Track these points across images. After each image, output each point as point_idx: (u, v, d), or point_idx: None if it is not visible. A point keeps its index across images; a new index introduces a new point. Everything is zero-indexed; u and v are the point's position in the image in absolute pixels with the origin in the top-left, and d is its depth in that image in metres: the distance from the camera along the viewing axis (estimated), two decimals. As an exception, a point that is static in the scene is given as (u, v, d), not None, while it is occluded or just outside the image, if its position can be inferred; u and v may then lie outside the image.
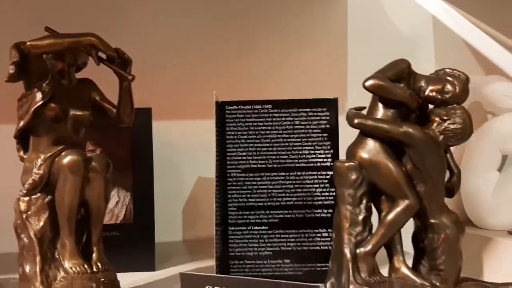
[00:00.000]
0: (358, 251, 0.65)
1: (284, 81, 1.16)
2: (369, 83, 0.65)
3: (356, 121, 0.66)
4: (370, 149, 0.67)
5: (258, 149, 0.86)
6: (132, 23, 1.10)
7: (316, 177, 0.86)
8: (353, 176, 0.66)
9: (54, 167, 0.69)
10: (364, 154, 0.67)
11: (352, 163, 0.67)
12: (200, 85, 1.08)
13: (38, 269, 0.69)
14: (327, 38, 1.22)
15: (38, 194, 0.70)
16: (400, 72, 0.67)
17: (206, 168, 1.08)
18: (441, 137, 0.66)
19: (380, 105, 0.67)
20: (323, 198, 0.86)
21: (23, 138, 0.73)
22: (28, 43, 0.67)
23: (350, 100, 1.15)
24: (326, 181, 0.86)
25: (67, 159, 0.68)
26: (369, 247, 0.65)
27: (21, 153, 0.74)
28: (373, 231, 0.67)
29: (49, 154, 0.69)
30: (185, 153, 1.12)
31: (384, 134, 0.65)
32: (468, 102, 1.11)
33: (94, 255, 0.72)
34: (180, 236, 1.19)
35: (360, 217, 0.66)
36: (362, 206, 0.66)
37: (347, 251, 0.65)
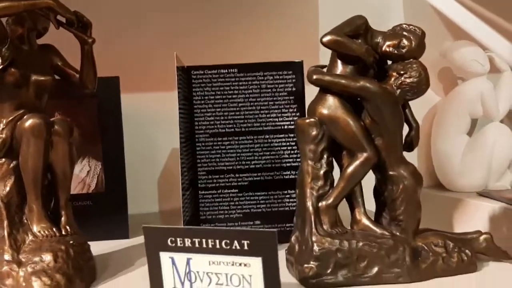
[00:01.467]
0: (320, 204, 0.67)
1: (255, 47, 1.17)
2: (326, 38, 0.66)
3: (314, 77, 0.67)
4: (330, 105, 0.68)
5: (226, 113, 0.87)
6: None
7: (283, 139, 0.88)
8: (314, 132, 0.68)
9: (17, 131, 0.69)
10: (323, 110, 0.68)
11: (312, 120, 0.68)
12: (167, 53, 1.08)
13: (6, 233, 0.69)
14: (299, 3, 1.23)
15: (3, 160, 0.71)
16: (357, 28, 0.68)
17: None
18: (398, 91, 0.68)
19: (339, 62, 0.68)
20: (291, 160, 0.88)
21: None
22: None
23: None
24: (293, 143, 0.87)
25: (29, 122, 0.68)
26: (330, 200, 0.67)
27: None
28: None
29: (10, 118, 0.69)
30: (157, 123, 1.13)
31: (341, 89, 0.67)
32: (438, 67, 1.15)
33: (62, 219, 0.73)
34: (157, 207, 1.21)
35: (321, 172, 0.68)
36: (323, 161, 0.68)
37: (309, 205, 0.67)
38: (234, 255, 0.52)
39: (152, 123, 1.14)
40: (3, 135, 0.69)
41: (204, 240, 0.53)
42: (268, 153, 0.88)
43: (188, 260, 0.54)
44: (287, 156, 0.88)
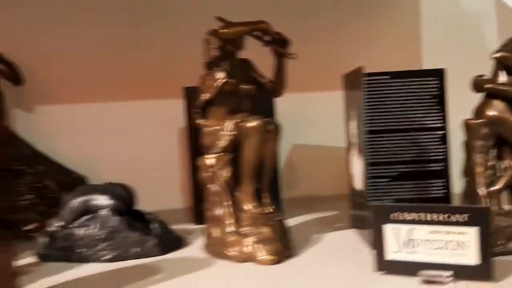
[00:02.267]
0: (490, 189, 0.82)
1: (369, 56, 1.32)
2: (498, 54, 0.81)
3: (486, 86, 0.82)
4: (497, 108, 0.82)
5: (380, 113, 1.03)
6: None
7: (428, 136, 1.03)
8: (484, 130, 0.82)
9: (240, 130, 0.85)
10: (492, 112, 0.82)
11: (483, 120, 0.83)
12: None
13: (228, 210, 0.87)
14: (402, 20, 1.38)
15: (224, 153, 0.88)
16: None
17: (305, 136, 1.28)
18: None
19: (504, 72, 0.83)
20: (434, 154, 1.03)
21: (203, 108, 0.90)
22: (221, 31, 0.83)
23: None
24: (437, 139, 1.02)
25: (252, 123, 0.84)
26: (499, 186, 0.82)
27: (200, 120, 0.91)
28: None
29: (237, 120, 0.86)
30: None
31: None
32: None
33: (264, 200, 0.90)
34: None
35: (490, 163, 0.83)
36: (491, 155, 0.83)
37: (481, 190, 0.82)
38: (453, 226, 0.67)
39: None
40: (232, 134, 0.86)
41: (424, 214, 0.69)
42: (415, 148, 1.03)
43: (410, 230, 0.70)
44: (431, 150, 1.03)
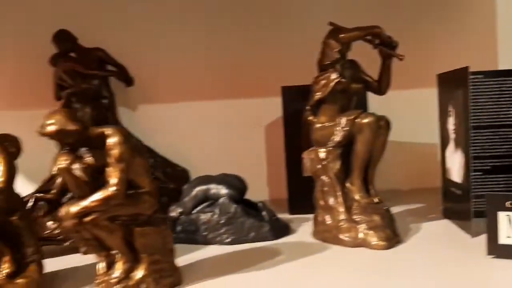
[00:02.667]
0: None
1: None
2: None
3: None
4: None
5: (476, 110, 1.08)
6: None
7: (521, 133, 1.08)
8: None
9: (355, 126, 0.93)
10: None
11: None
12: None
13: (340, 200, 0.95)
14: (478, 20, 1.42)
15: (335, 148, 0.96)
16: None
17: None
18: None
19: None
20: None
21: (315, 106, 0.99)
22: (342, 35, 0.91)
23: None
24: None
25: (367, 119, 0.92)
26: None
27: (311, 117, 0.99)
28: None
29: (352, 117, 0.94)
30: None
31: None
32: None
33: (372, 191, 0.98)
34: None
35: None
36: None
37: None
38: None
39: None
40: (347, 130, 0.94)
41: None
42: (507, 143, 1.08)
43: (525, 217, 0.76)
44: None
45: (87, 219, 0.68)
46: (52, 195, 0.99)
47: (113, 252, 0.74)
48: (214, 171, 1.13)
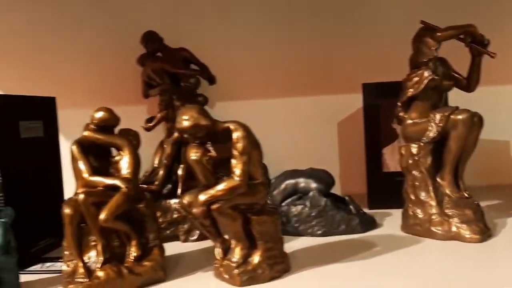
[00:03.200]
0: None
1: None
2: None
3: None
4: None
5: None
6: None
7: None
8: None
9: (450, 122, 0.95)
10: None
11: None
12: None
13: (431, 194, 0.98)
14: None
15: (427, 144, 0.99)
16: None
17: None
18: None
19: None
20: None
21: (407, 103, 1.02)
22: (439, 34, 0.94)
23: None
24: None
25: (462, 116, 0.94)
26: None
27: (402, 113, 1.02)
28: None
29: (446, 113, 0.96)
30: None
31: None
32: None
33: (461, 185, 1.00)
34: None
35: None
36: None
37: None
38: None
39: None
40: (441, 125, 0.96)
41: None
42: None
43: None
44: None
45: (214, 206, 0.73)
46: (155, 186, 1.05)
47: (228, 238, 0.80)
48: (291, 167, 1.17)
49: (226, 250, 0.80)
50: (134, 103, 1.37)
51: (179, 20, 1.43)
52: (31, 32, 1.44)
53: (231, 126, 0.74)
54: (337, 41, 1.41)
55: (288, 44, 1.43)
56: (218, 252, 0.80)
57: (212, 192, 0.73)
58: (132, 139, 0.84)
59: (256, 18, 1.44)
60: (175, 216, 1.04)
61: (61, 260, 0.94)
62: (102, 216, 0.76)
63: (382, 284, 0.77)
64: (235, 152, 0.74)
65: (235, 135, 0.74)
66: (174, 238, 1.05)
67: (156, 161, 1.09)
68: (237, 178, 0.73)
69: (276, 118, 1.46)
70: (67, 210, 0.77)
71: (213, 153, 0.75)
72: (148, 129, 1.07)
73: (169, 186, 1.08)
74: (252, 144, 0.75)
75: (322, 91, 1.44)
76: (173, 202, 1.06)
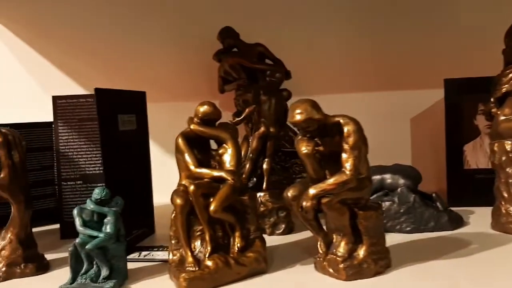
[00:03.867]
0: None
1: None
2: None
3: None
4: None
5: None
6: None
7: None
8: None
9: None
10: None
11: None
12: None
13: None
14: None
15: (511, 140, 0.97)
16: None
17: None
18: None
19: None
20: None
21: (500, 98, 1.00)
22: None
23: None
24: None
25: None
26: None
27: (494, 109, 1.00)
28: None
29: None
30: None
31: None
32: None
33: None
34: None
35: None
36: None
37: None
38: None
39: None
40: None
41: None
42: None
43: None
44: None
45: (324, 200, 0.74)
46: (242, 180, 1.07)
47: (331, 232, 0.80)
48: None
49: (328, 244, 0.81)
50: (206, 98, 1.40)
51: (257, 16, 1.44)
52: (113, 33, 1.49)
53: (342, 120, 0.75)
54: (414, 38, 1.39)
55: (364, 38, 1.41)
56: (321, 245, 0.81)
57: (322, 185, 0.74)
58: (233, 133, 0.86)
59: (333, 12, 1.43)
60: (261, 209, 1.06)
61: (156, 249, 0.99)
62: (212, 207, 0.77)
63: (493, 284, 0.75)
64: (345, 146, 0.74)
65: (346, 128, 0.74)
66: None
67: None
68: (347, 172, 0.73)
69: (351, 113, 1.45)
70: (178, 201, 0.79)
71: (320, 147, 0.76)
72: (236, 124, 1.08)
73: (254, 179, 1.10)
74: (362, 138, 0.75)
75: (395, 87, 1.42)
76: (259, 195, 1.07)
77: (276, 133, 1.11)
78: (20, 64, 1.50)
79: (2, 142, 0.85)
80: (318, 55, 1.44)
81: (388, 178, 1.08)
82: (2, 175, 0.85)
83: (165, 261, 0.87)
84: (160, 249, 0.98)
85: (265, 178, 1.09)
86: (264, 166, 1.09)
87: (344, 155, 0.74)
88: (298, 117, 0.73)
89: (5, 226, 0.89)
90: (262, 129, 1.09)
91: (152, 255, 0.95)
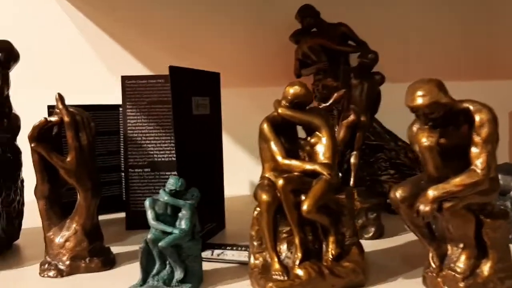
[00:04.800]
0: None
1: None
2: None
3: None
4: None
5: None
6: None
7: None
8: None
9: None
10: None
11: None
12: None
13: None
14: None
15: None
16: None
17: None
18: None
19: None
20: None
21: None
22: None
23: None
24: None
25: None
26: None
27: None
28: None
29: None
30: None
31: None
32: None
33: None
34: None
35: None
36: None
37: None
38: None
39: None
40: None
41: None
42: None
43: None
44: None
45: (448, 205, 0.60)
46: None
47: (447, 243, 0.67)
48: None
49: (442, 257, 0.67)
50: (280, 84, 1.28)
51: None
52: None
53: (472, 107, 0.60)
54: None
55: (458, 25, 1.27)
56: (432, 258, 0.67)
57: (446, 187, 0.60)
58: (327, 119, 0.73)
59: None
60: (348, 209, 0.93)
61: (230, 248, 0.88)
62: (305, 206, 0.65)
63: None
64: (476, 139, 0.60)
65: (479, 117, 0.59)
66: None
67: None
68: (479, 172, 0.59)
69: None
70: (264, 197, 0.67)
71: (442, 139, 0.62)
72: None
73: (340, 175, 0.97)
74: (496, 130, 0.61)
75: (492, 76, 1.26)
76: (344, 193, 0.94)
77: (367, 122, 0.97)
78: (89, 46, 1.44)
79: (70, 122, 0.77)
80: (405, 38, 1.30)
81: (500, 179, 0.92)
82: (68, 159, 0.78)
83: (243, 264, 0.77)
84: (234, 248, 0.88)
85: (353, 174, 0.95)
86: (352, 160, 0.96)
87: (474, 150, 0.60)
88: (420, 101, 0.59)
89: (70, 215, 0.82)
90: (352, 117, 0.95)
91: (226, 255, 0.85)
